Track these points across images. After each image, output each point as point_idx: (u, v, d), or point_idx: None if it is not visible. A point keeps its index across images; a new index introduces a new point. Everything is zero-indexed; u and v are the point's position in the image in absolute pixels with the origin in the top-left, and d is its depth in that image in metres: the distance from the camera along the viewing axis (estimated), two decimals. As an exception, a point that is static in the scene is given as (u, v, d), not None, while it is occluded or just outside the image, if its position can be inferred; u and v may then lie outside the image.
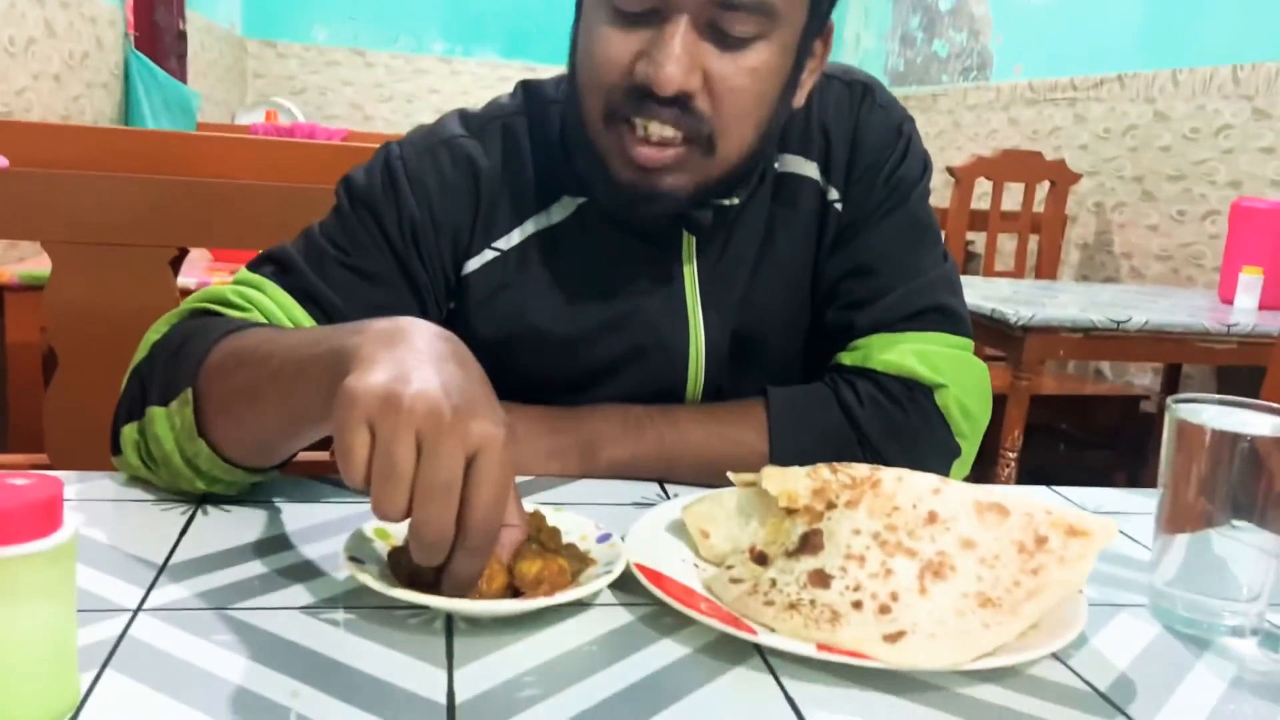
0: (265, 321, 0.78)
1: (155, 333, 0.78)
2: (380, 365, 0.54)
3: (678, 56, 0.73)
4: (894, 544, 0.60)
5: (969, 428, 0.87)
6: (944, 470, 0.86)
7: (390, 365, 0.54)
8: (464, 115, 0.89)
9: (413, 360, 0.55)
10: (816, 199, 0.89)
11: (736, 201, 0.85)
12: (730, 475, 0.69)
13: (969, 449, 0.88)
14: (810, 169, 0.89)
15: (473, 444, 0.53)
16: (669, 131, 0.76)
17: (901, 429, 0.84)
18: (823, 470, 0.65)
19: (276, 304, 0.79)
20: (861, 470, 0.65)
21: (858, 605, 0.57)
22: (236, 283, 0.82)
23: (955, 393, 0.85)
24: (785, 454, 0.83)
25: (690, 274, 0.88)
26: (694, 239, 0.87)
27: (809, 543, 0.61)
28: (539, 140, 0.88)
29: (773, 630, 0.57)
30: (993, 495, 0.63)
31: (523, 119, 0.88)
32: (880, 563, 0.59)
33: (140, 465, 0.74)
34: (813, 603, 0.57)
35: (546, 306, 0.86)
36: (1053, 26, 3.60)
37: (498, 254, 0.86)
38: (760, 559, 0.63)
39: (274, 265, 0.83)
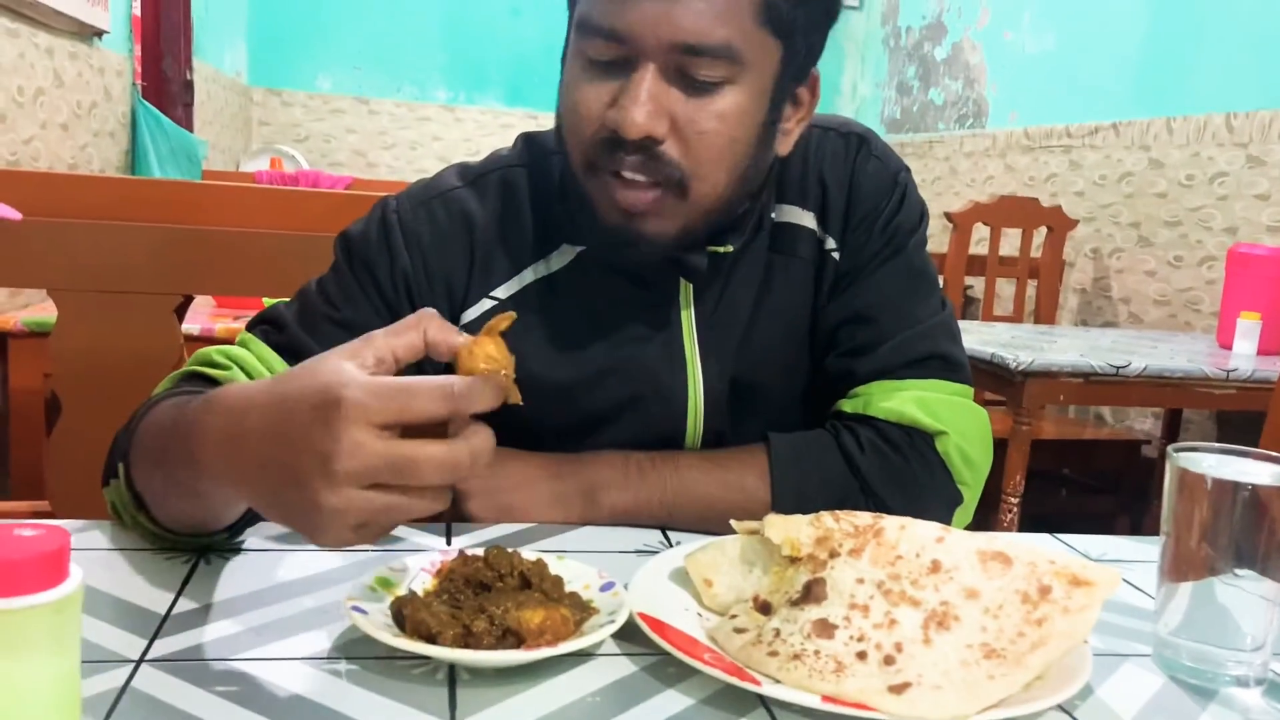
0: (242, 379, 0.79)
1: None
2: (277, 505, 0.55)
3: (643, 102, 0.75)
4: (898, 593, 0.60)
5: (970, 475, 0.87)
6: (946, 518, 0.86)
7: (278, 501, 0.55)
8: (462, 168, 0.91)
9: (257, 447, 0.55)
10: (814, 247, 0.90)
11: (731, 249, 0.86)
12: (733, 523, 0.69)
13: (971, 496, 0.88)
14: (807, 218, 0.90)
15: (361, 419, 0.52)
16: (640, 176, 0.77)
17: (903, 476, 0.85)
18: (825, 518, 0.65)
19: (260, 359, 0.81)
20: (864, 518, 0.65)
21: (862, 656, 0.57)
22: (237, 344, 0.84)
23: (956, 440, 0.85)
24: (787, 500, 0.83)
25: (688, 320, 0.89)
26: (691, 286, 0.88)
27: (812, 592, 0.61)
28: (538, 190, 0.89)
29: (777, 681, 0.56)
30: (996, 544, 0.63)
31: (522, 170, 0.90)
32: (884, 612, 0.59)
33: (121, 524, 0.76)
34: (817, 653, 0.57)
35: (545, 353, 0.87)
36: (1047, 75, 3.65)
37: (495, 303, 0.87)
38: (764, 608, 0.63)
39: (268, 324, 0.85)
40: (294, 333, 0.83)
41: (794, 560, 0.64)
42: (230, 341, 0.84)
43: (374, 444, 0.52)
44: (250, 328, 0.85)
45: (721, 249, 0.86)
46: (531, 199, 0.89)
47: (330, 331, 0.83)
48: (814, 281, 0.90)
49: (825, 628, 0.59)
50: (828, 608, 0.60)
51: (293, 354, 0.81)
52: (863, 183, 0.89)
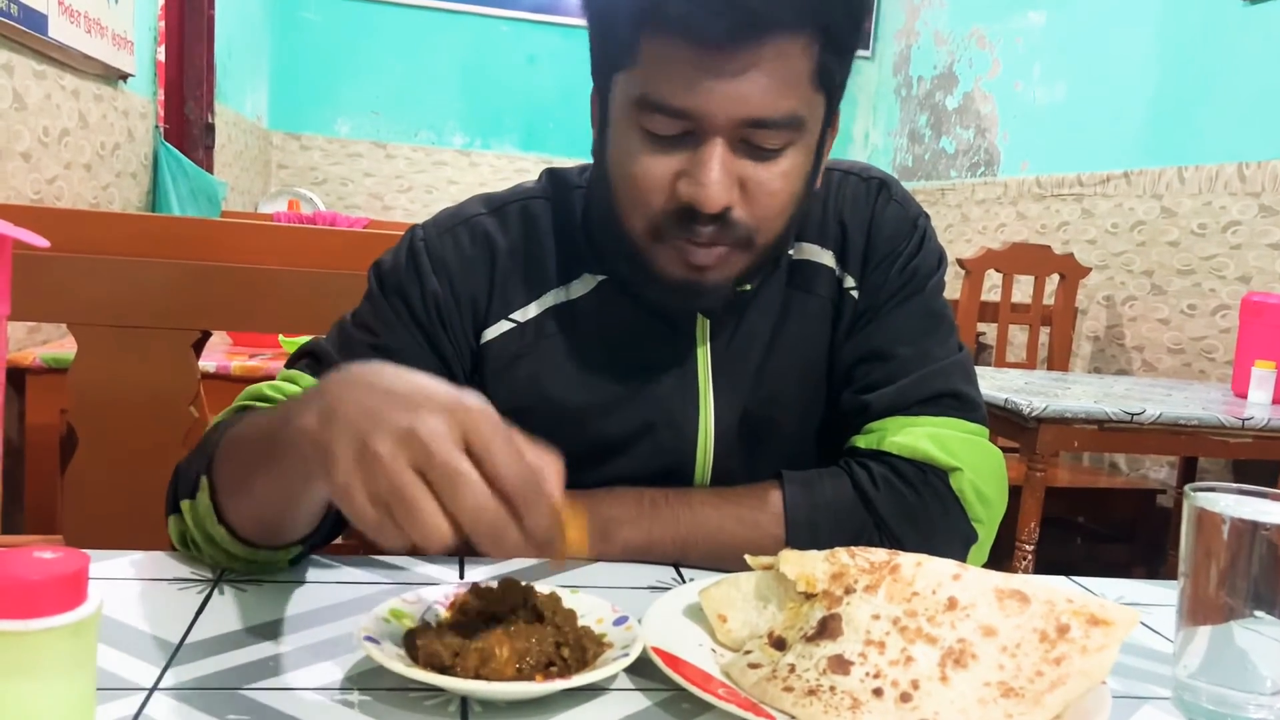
0: None
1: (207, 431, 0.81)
2: (329, 411, 0.56)
3: (718, 177, 0.76)
4: (914, 630, 0.59)
5: (985, 513, 0.86)
6: (960, 555, 0.85)
7: (342, 403, 0.56)
8: (486, 197, 0.94)
9: (361, 391, 0.56)
10: (832, 286, 0.91)
11: (750, 287, 0.87)
12: (748, 558, 0.69)
13: (985, 534, 0.87)
14: (826, 257, 0.91)
15: (457, 426, 0.54)
16: (713, 242, 0.79)
17: (916, 512, 0.84)
18: (841, 554, 0.65)
19: None
20: (880, 554, 0.64)
21: (878, 693, 0.56)
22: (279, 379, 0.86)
23: (970, 477, 0.85)
24: (801, 537, 0.83)
25: (703, 355, 0.90)
26: (709, 321, 0.89)
27: (828, 628, 0.60)
28: (561, 221, 0.91)
29: (792, 717, 0.56)
30: (1013, 582, 0.62)
31: (544, 202, 0.92)
32: (900, 649, 0.58)
33: (187, 551, 0.78)
34: (832, 689, 0.57)
35: (560, 377, 0.88)
36: (1058, 125, 3.68)
37: (514, 325, 0.89)
38: (778, 644, 0.63)
39: (309, 358, 0.87)
40: (338, 362, 0.83)
41: (809, 596, 0.64)
42: (247, 380, 0.85)
43: (444, 440, 0.53)
44: (291, 364, 0.87)
45: (741, 286, 0.87)
46: (554, 229, 0.90)
47: (371, 359, 0.84)
48: (832, 319, 0.91)
49: (841, 664, 0.58)
50: (843, 644, 0.59)
51: None
52: (882, 225, 0.91)
